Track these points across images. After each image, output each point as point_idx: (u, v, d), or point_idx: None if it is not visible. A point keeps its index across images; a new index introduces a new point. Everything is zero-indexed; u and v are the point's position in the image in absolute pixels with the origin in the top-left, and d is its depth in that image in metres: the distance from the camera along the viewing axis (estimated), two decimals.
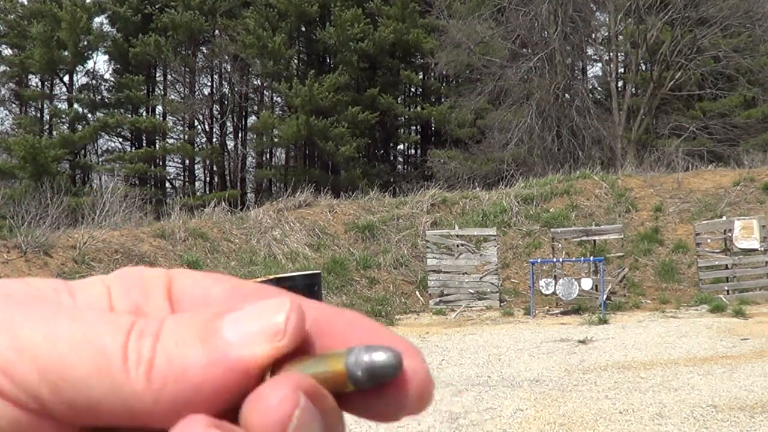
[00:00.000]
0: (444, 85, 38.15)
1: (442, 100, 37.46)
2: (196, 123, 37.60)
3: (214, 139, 37.07)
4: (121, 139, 38.74)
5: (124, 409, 0.26)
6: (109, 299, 0.30)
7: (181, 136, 37.95)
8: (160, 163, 37.16)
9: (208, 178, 39.27)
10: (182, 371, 0.26)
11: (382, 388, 0.28)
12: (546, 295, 14.33)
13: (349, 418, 0.27)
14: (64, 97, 36.76)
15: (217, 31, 36.11)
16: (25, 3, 35.31)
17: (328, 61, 37.53)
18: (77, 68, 36.18)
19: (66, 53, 33.99)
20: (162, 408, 0.26)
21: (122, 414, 0.26)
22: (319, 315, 0.30)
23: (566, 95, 30.47)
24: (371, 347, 0.28)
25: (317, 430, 0.26)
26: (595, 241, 15.30)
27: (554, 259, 14.57)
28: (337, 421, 0.28)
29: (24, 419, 0.25)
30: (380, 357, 0.28)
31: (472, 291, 15.16)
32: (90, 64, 47.10)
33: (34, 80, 37.69)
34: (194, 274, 0.31)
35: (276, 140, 34.80)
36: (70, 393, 0.25)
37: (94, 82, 37.95)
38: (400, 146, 41.08)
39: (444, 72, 34.25)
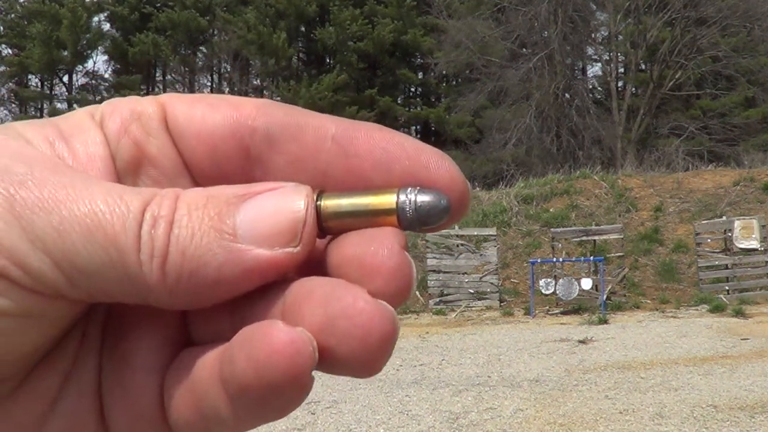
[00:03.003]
0: (443, 85, 38.15)
1: (442, 100, 37.45)
2: None
3: None
4: None
5: (138, 297, 0.26)
6: (107, 146, 0.29)
7: None
8: None
9: None
10: (197, 268, 0.26)
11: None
12: (546, 295, 14.32)
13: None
14: (64, 97, 36.78)
15: (216, 30, 36.09)
16: (24, 2, 35.28)
17: (327, 60, 37.54)
18: (77, 68, 36.21)
19: (65, 53, 34.01)
20: (176, 299, 0.26)
21: (136, 300, 0.26)
22: (339, 130, 0.29)
23: (566, 95, 30.47)
24: (423, 190, 0.27)
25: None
26: (595, 241, 15.28)
27: (554, 259, 14.56)
28: None
29: (38, 302, 0.25)
30: (434, 203, 0.27)
31: (472, 291, 15.15)
32: (89, 64, 47.08)
33: (33, 80, 37.73)
34: (186, 99, 0.30)
35: None
36: (84, 282, 0.25)
37: (93, 82, 37.99)
38: None
39: (443, 72, 34.25)
